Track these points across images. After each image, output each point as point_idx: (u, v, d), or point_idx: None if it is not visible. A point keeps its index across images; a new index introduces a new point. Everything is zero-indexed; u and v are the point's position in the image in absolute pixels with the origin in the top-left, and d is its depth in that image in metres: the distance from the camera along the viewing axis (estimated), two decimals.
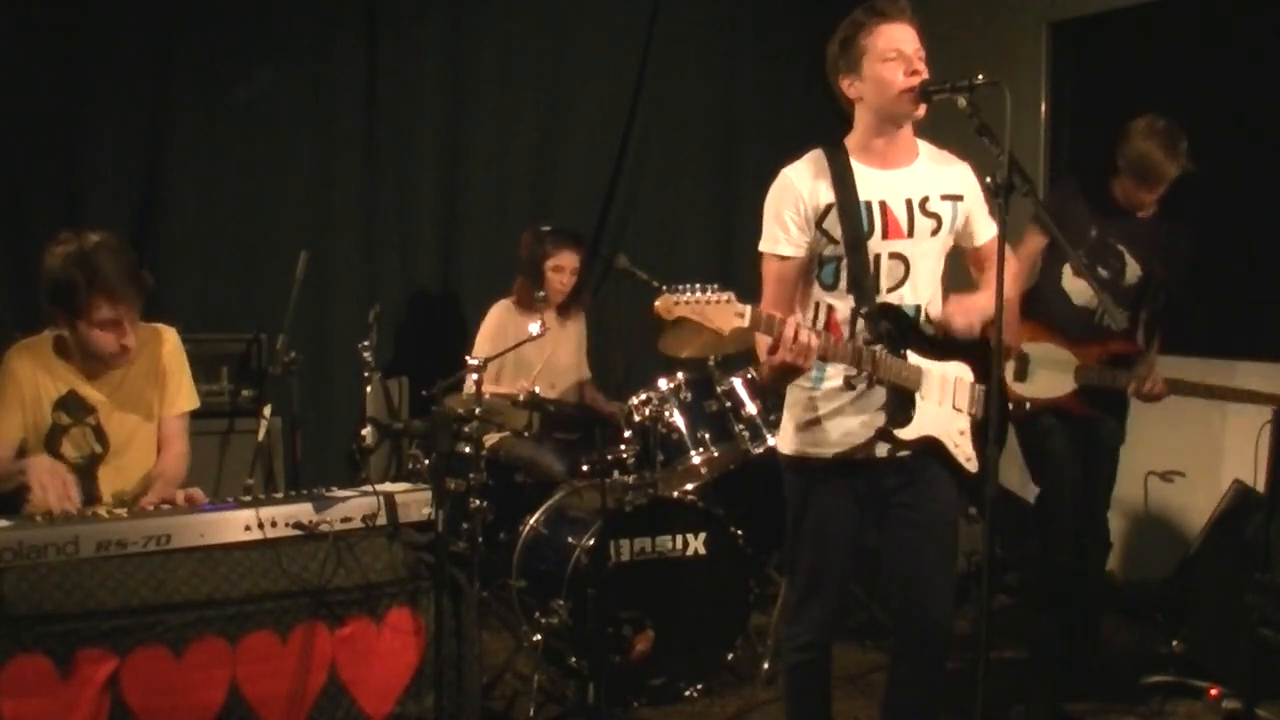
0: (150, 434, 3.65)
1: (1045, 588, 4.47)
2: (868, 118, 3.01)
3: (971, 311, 3.05)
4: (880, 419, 3.02)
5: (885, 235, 2.98)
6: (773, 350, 2.80)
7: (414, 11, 5.65)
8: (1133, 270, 4.26)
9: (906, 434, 3.00)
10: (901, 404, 3.00)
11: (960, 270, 3.25)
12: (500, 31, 5.86)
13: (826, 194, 2.97)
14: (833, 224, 2.97)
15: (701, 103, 6.42)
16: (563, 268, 5.18)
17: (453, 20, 5.76)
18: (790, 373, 2.86)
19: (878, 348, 2.94)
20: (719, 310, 2.66)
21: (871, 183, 3.00)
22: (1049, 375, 4.25)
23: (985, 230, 3.13)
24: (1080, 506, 4.36)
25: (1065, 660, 4.40)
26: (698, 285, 2.67)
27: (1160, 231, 4.26)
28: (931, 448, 3.04)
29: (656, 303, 2.67)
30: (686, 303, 2.65)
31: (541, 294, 5.11)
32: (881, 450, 3.04)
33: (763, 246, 3.06)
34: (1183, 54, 5.47)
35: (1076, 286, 4.28)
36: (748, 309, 2.70)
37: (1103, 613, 4.76)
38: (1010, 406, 4.17)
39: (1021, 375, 4.26)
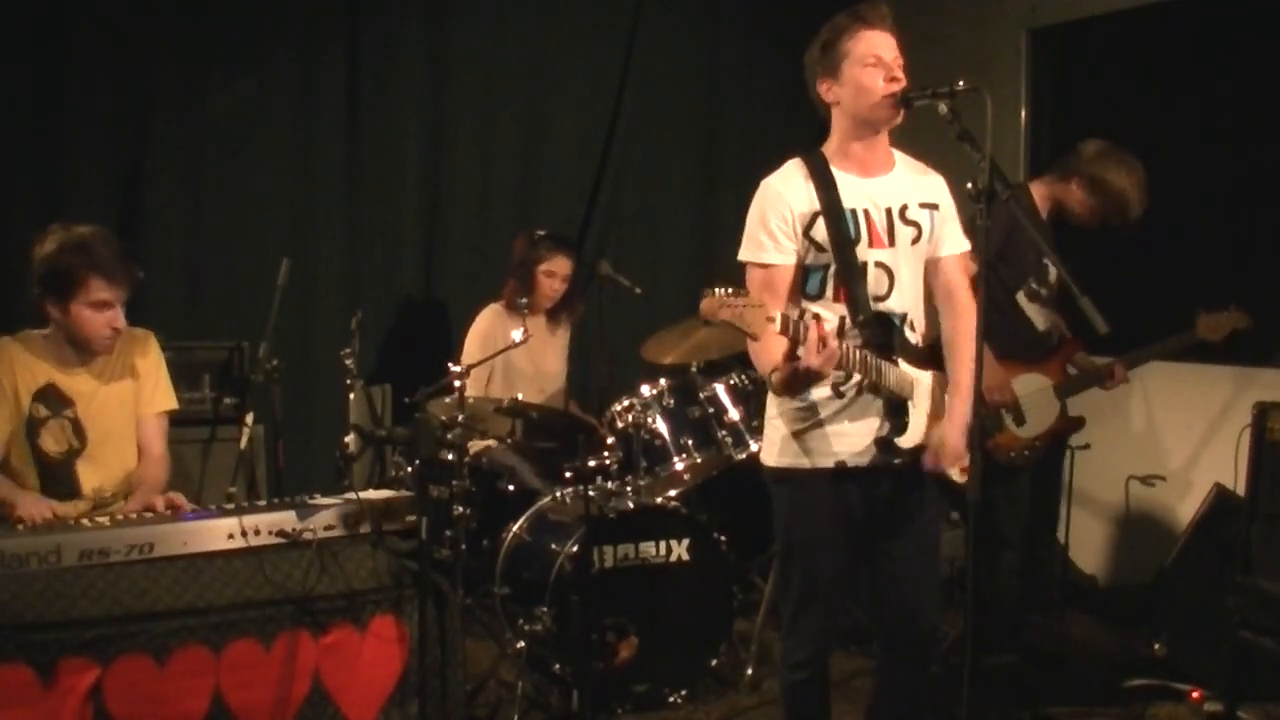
0: (130, 431, 3.67)
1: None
2: (845, 123, 3.00)
3: (961, 433, 3.01)
4: (870, 426, 3.01)
5: (870, 244, 2.98)
6: (791, 356, 2.76)
7: (396, 18, 5.64)
8: (1051, 272, 4.22)
9: (905, 442, 2.99)
10: (897, 413, 3.00)
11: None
12: (482, 37, 5.86)
13: (812, 201, 2.95)
14: (819, 232, 2.95)
15: (684, 108, 6.43)
16: (555, 273, 5.16)
17: (435, 26, 5.75)
18: (809, 379, 2.80)
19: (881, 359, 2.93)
20: (755, 314, 2.64)
21: (853, 190, 2.98)
22: (1037, 406, 4.22)
23: (953, 243, 3.11)
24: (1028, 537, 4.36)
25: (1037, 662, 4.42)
26: (730, 288, 2.65)
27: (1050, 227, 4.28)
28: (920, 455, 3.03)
29: (701, 305, 2.64)
30: (728, 306, 2.63)
31: (525, 300, 5.10)
32: (877, 459, 3.01)
33: (744, 256, 3.01)
34: (1162, 61, 5.50)
35: (1034, 310, 4.27)
36: (778, 313, 2.67)
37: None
38: (1027, 453, 4.19)
39: (1020, 419, 4.19)
